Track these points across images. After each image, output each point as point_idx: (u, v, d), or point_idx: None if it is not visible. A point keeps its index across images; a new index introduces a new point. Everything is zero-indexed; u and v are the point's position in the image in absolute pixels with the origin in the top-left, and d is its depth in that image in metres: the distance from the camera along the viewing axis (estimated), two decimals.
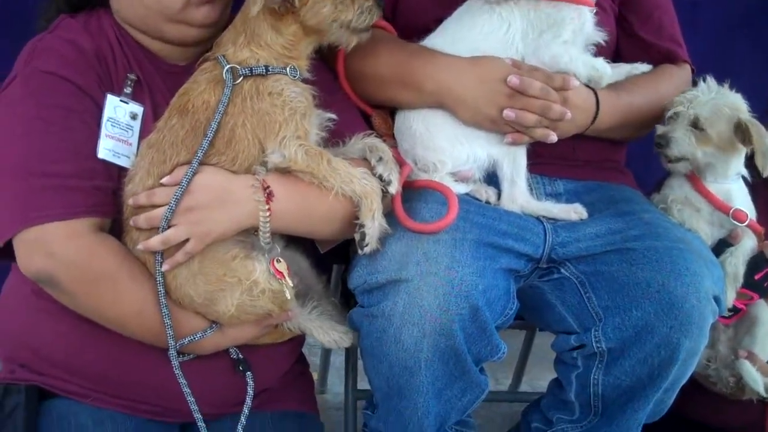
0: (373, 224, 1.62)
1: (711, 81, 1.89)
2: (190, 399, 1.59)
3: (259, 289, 1.58)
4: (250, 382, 1.69)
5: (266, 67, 1.61)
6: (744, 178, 1.96)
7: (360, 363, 1.87)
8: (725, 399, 2.03)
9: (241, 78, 1.60)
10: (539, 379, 2.92)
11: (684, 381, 1.77)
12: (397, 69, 1.82)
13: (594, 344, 1.72)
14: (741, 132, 1.82)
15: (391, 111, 1.91)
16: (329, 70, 1.87)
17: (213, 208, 1.56)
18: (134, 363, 1.64)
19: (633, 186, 2.04)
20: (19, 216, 1.52)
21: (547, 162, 1.90)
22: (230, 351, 1.70)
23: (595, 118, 1.85)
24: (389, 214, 1.66)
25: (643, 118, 1.95)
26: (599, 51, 1.88)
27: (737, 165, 1.92)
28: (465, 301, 1.59)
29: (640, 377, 1.70)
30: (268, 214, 1.58)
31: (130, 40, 1.72)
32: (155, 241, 1.55)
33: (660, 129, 1.90)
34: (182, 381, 1.59)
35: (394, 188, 1.66)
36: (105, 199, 1.59)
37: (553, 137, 1.77)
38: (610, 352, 1.71)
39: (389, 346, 1.63)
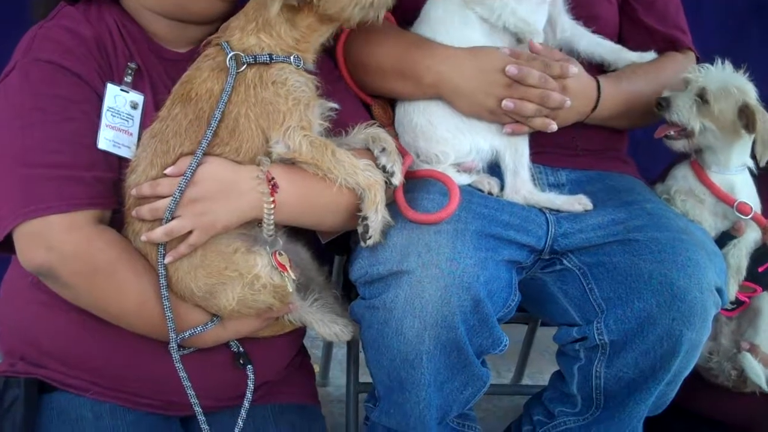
0: (377, 217, 1.61)
1: (727, 63, 1.88)
2: (191, 392, 1.59)
3: (260, 284, 1.57)
4: (251, 375, 1.68)
5: (270, 55, 1.60)
6: (750, 170, 1.94)
7: (362, 356, 1.87)
8: (727, 392, 2.03)
9: (245, 66, 1.59)
10: (541, 372, 2.93)
11: (687, 373, 1.76)
12: (395, 60, 1.81)
13: (596, 336, 1.71)
14: (745, 116, 1.81)
15: (390, 101, 1.90)
16: (330, 60, 1.86)
17: (217, 199, 1.55)
18: (134, 356, 1.63)
19: (636, 175, 2.03)
20: (18, 208, 1.51)
21: (549, 152, 1.90)
22: (231, 344, 1.70)
23: (596, 105, 1.84)
24: (391, 205, 1.65)
25: (645, 106, 1.94)
26: None
27: (740, 155, 1.91)
28: (467, 292, 1.58)
29: (642, 369, 1.70)
30: (272, 206, 1.57)
31: (131, 28, 1.70)
32: (159, 233, 1.54)
33: (665, 92, 1.88)
34: (183, 374, 1.58)
35: (398, 179, 1.65)
36: (105, 190, 1.58)
37: (554, 126, 1.76)
38: (612, 345, 1.70)
39: (390, 338, 1.62)
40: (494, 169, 1.83)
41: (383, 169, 1.64)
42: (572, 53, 1.91)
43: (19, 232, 1.51)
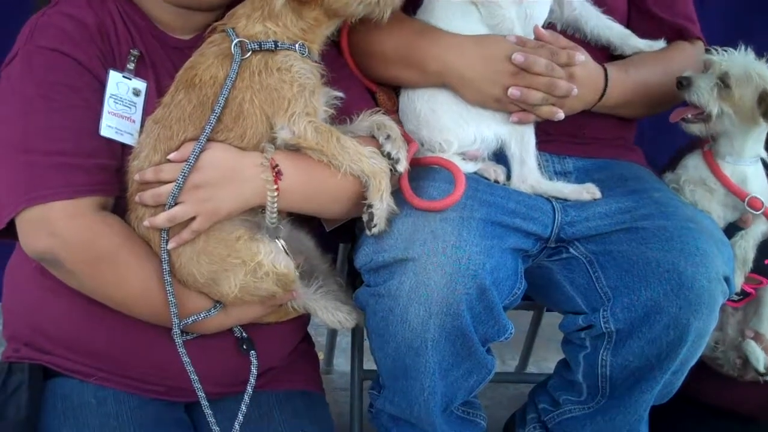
0: (382, 204, 1.60)
1: (749, 49, 1.85)
2: (194, 378, 1.59)
3: (263, 271, 1.57)
4: (254, 361, 1.68)
5: (275, 42, 1.59)
6: (763, 160, 1.93)
7: (366, 343, 1.86)
8: (734, 381, 2.02)
9: (250, 53, 1.58)
10: (546, 360, 2.92)
11: (693, 362, 1.75)
12: (401, 48, 1.80)
13: (602, 324, 1.70)
14: (765, 104, 1.79)
15: (395, 88, 1.89)
16: (335, 47, 1.84)
17: (221, 185, 1.55)
18: (138, 342, 1.64)
19: (643, 164, 2.02)
20: (21, 195, 1.51)
21: (555, 140, 1.88)
22: (234, 330, 1.69)
23: (603, 94, 1.83)
24: (396, 193, 1.64)
25: (653, 95, 1.93)
26: None
27: (755, 145, 1.89)
28: (472, 280, 1.57)
29: (648, 358, 1.69)
30: (276, 193, 1.57)
31: (134, 14, 1.69)
32: (161, 218, 1.54)
33: (688, 71, 1.86)
34: (186, 360, 1.58)
35: (403, 167, 1.64)
36: (108, 177, 1.58)
37: (560, 115, 1.75)
38: (618, 333, 1.69)
39: (395, 325, 1.62)
40: (500, 156, 1.82)
41: (388, 156, 1.63)
42: (579, 33, 1.89)
43: (22, 219, 1.51)
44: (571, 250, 1.78)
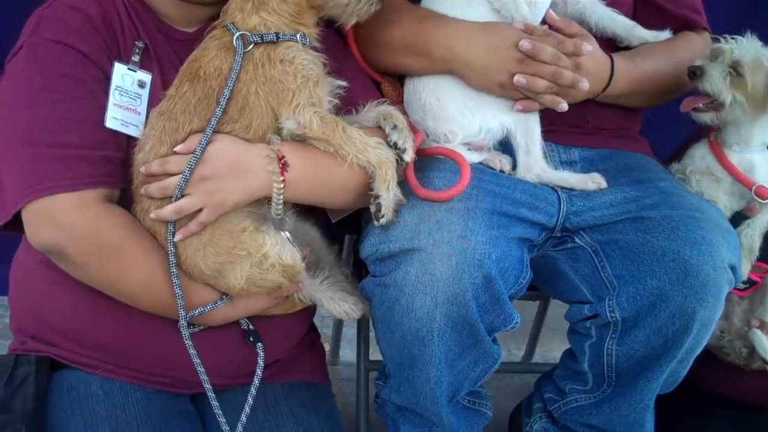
0: (389, 195, 1.61)
1: (755, 36, 1.85)
2: (200, 370, 1.59)
3: (269, 263, 1.57)
4: (261, 353, 1.68)
5: (277, 34, 1.59)
6: None
7: (372, 334, 1.87)
8: (740, 370, 2.02)
9: (252, 45, 1.57)
10: (552, 350, 2.92)
11: (699, 351, 1.75)
12: (407, 35, 1.79)
13: (608, 314, 1.70)
14: None
15: (400, 78, 1.88)
16: (339, 37, 1.84)
17: (227, 178, 1.55)
18: (144, 334, 1.64)
19: (649, 154, 2.01)
20: (26, 188, 1.51)
21: (560, 130, 1.88)
22: (241, 322, 1.69)
23: (608, 83, 1.82)
24: (402, 183, 1.64)
25: (659, 85, 1.92)
26: None
27: (762, 133, 1.88)
28: (478, 270, 1.57)
29: (654, 347, 1.69)
30: (282, 185, 1.57)
31: (138, 7, 1.69)
32: (168, 211, 1.54)
33: (698, 60, 1.86)
34: (192, 352, 1.59)
35: (409, 156, 1.64)
36: (113, 169, 1.58)
37: (564, 105, 1.74)
38: (624, 322, 1.69)
39: (401, 315, 1.62)
40: (506, 146, 1.81)
41: (395, 145, 1.63)
42: (584, 25, 1.88)
43: (28, 211, 1.52)
44: (576, 239, 1.78)
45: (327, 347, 2.50)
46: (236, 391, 1.71)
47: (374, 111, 1.69)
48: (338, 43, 1.83)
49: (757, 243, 1.89)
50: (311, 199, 1.66)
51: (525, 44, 1.70)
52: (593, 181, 1.80)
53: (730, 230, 1.75)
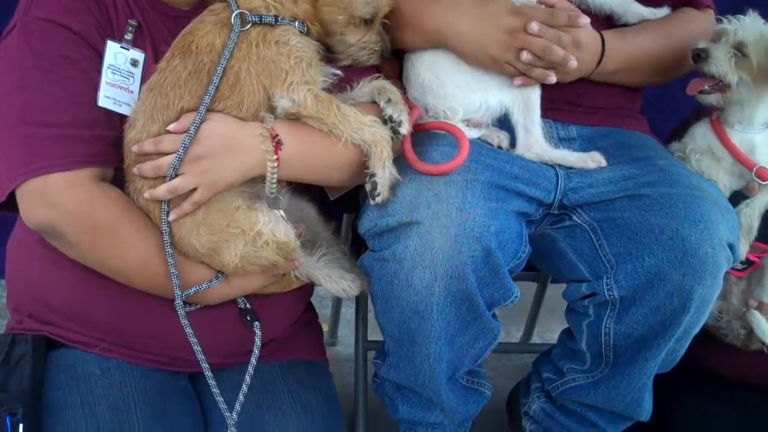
0: (384, 173, 1.60)
1: (756, 13, 1.83)
2: (197, 349, 1.59)
3: (262, 240, 1.56)
4: (258, 332, 1.68)
5: (276, 17, 1.58)
6: None
7: (371, 314, 1.86)
8: (738, 351, 2.02)
9: (249, 25, 1.56)
10: (550, 331, 2.93)
11: (697, 330, 1.74)
12: (399, 8, 1.77)
13: (606, 292, 1.69)
14: None
15: (396, 54, 1.87)
16: None
17: (221, 157, 1.54)
18: (141, 313, 1.64)
19: (647, 132, 1.99)
20: (20, 167, 1.50)
21: (558, 108, 1.86)
22: (238, 301, 1.69)
23: (600, 60, 1.81)
24: (399, 159, 1.63)
25: (654, 62, 1.90)
26: None
27: (765, 111, 1.87)
28: (477, 242, 1.56)
29: (652, 326, 1.68)
30: (276, 164, 1.56)
31: None
32: (162, 190, 1.53)
33: (702, 43, 1.84)
34: (189, 331, 1.59)
35: (405, 129, 1.63)
36: (106, 148, 1.57)
37: (552, 78, 1.72)
38: (621, 300, 1.69)
39: (400, 289, 1.61)
40: (504, 123, 1.80)
41: (390, 119, 1.62)
42: (582, 5, 1.86)
43: (22, 191, 1.51)
44: (574, 217, 1.77)
45: (325, 328, 2.50)
46: (234, 369, 1.71)
47: (368, 86, 1.68)
48: None
49: (756, 222, 1.88)
50: (306, 177, 1.66)
51: (533, 25, 1.68)
52: (593, 159, 1.79)
53: (728, 208, 1.74)
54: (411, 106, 1.71)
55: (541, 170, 1.75)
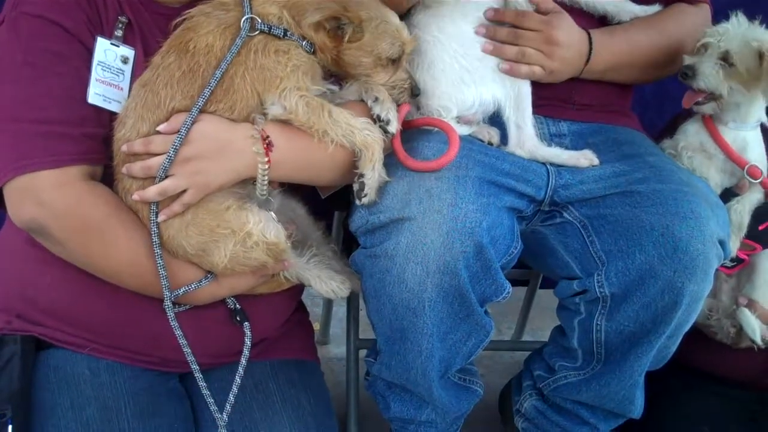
0: (373, 174, 1.60)
1: (741, 16, 1.83)
2: (187, 350, 1.58)
3: (252, 241, 1.56)
4: (248, 332, 1.68)
5: (285, 30, 1.57)
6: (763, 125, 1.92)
7: (362, 313, 1.86)
8: (728, 348, 2.02)
9: (257, 33, 1.55)
10: (542, 329, 2.93)
11: (688, 327, 1.75)
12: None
13: (597, 289, 1.69)
14: (766, 61, 1.76)
15: None
16: None
17: (212, 158, 1.53)
18: (131, 313, 1.63)
19: (638, 129, 2.00)
20: (7, 164, 1.49)
21: (549, 104, 1.86)
22: (227, 301, 1.69)
23: (588, 58, 1.81)
24: (390, 156, 1.63)
25: (646, 58, 1.90)
26: None
27: (759, 109, 1.88)
28: (469, 238, 1.56)
29: (643, 323, 1.68)
30: (267, 165, 1.55)
31: None
32: (152, 192, 1.52)
33: (687, 59, 1.84)
34: (178, 332, 1.58)
35: (394, 127, 1.62)
36: (95, 146, 1.56)
37: (524, 69, 1.75)
38: (612, 297, 1.69)
39: (392, 286, 1.61)
40: (494, 119, 1.80)
41: (378, 118, 1.62)
42: (575, 4, 1.86)
43: (10, 188, 1.50)
44: (565, 214, 1.77)
45: (317, 326, 2.50)
46: (224, 369, 1.70)
47: (355, 85, 1.67)
48: None
49: (746, 220, 1.89)
50: (297, 178, 1.65)
51: (479, 29, 1.73)
52: (585, 157, 1.79)
53: (719, 205, 1.75)
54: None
55: (532, 167, 1.75)
